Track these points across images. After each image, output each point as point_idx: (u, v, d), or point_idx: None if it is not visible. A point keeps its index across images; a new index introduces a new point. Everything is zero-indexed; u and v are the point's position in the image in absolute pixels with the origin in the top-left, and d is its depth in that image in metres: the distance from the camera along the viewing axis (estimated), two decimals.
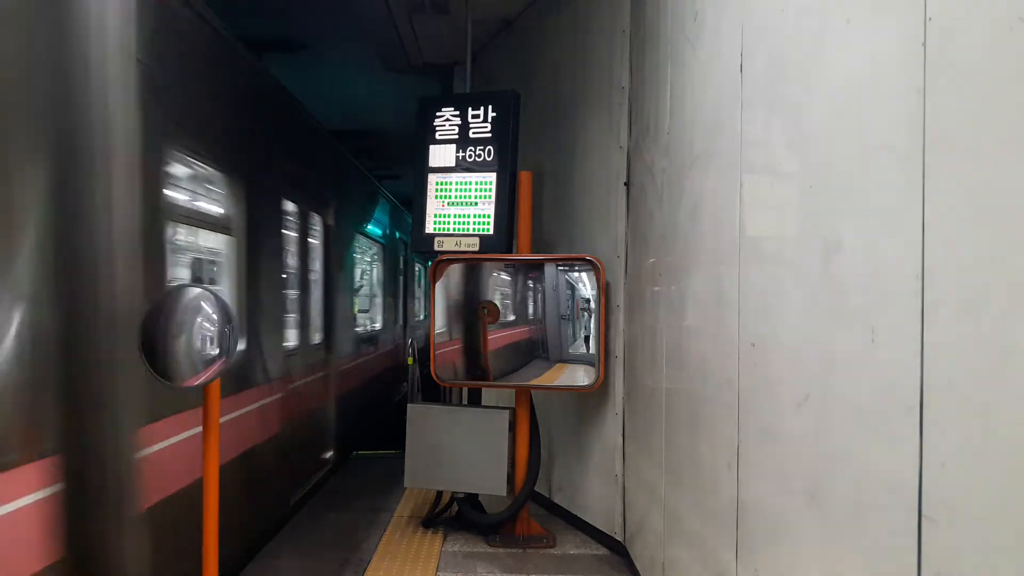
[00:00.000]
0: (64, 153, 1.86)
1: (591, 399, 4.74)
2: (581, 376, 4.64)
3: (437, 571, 4.18)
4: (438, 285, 4.75)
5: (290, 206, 5.57)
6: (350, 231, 7.85)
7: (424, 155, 4.90)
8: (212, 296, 2.87)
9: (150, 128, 3.10)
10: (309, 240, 6.09)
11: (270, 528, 4.98)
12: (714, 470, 2.62)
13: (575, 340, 4.77)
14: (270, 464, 5.00)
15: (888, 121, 1.59)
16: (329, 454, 6.70)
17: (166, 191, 3.50)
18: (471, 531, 4.80)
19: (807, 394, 1.91)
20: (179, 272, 3.89)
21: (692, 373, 2.98)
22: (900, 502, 1.48)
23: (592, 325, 4.55)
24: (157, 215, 3.36)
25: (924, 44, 1.44)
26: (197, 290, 2.89)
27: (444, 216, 4.85)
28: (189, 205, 3.94)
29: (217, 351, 2.88)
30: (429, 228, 4.88)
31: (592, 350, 4.54)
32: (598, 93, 4.71)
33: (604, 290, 4.42)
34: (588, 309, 4.62)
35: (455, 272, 4.91)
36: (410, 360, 8.17)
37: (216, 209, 4.24)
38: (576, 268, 4.70)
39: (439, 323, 4.81)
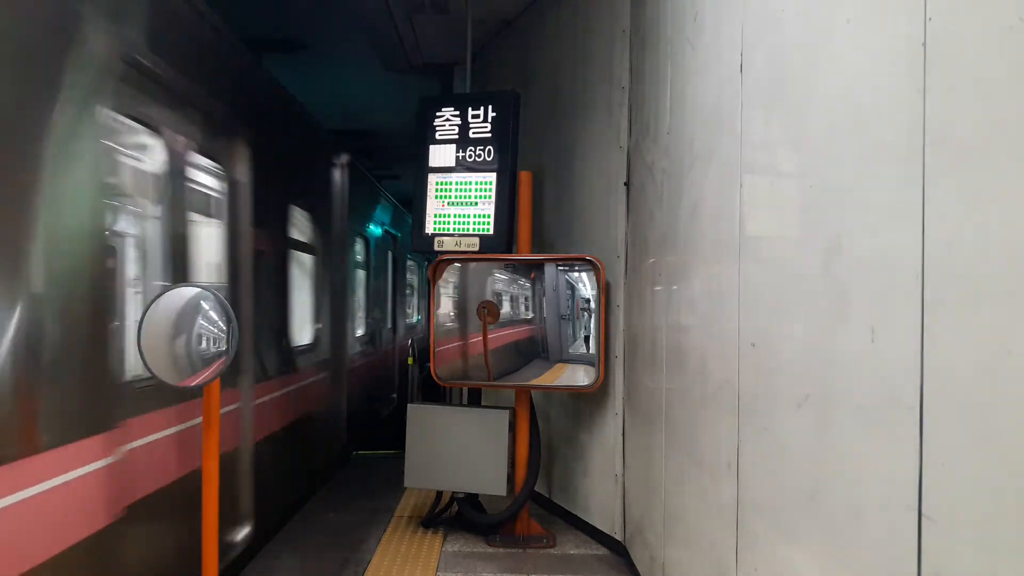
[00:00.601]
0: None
1: (591, 399, 4.74)
2: (581, 376, 4.64)
3: (437, 571, 4.18)
4: (438, 285, 4.75)
5: (380, 249, 9.64)
6: (404, 255, 11.93)
7: (424, 155, 4.90)
8: (212, 296, 2.86)
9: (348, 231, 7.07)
10: (389, 266, 10.39)
11: (379, 423, 9.41)
12: (714, 470, 2.62)
13: (575, 340, 4.77)
14: (375, 390, 9.26)
15: (888, 121, 1.59)
16: (394, 395, 10.62)
17: (354, 254, 7.74)
18: (471, 531, 4.80)
19: (807, 394, 1.91)
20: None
21: (692, 373, 2.98)
22: (900, 502, 1.48)
23: (592, 325, 4.55)
24: (353, 265, 7.60)
25: (924, 44, 1.44)
26: (196, 290, 2.88)
27: (444, 216, 4.84)
28: (358, 258, 8.07)
29: (217, 351, 2.88)
30: (429, 228, 4.88)
31: (592, 350, 4.54)
32: (598, 93, 4.71)
33: (604, 290, 4.41)
34: (588, 309, 4.61)
35: (455, 272, 4.91)
36: (410, 360, 8.26)
37: (361, 259, 8.29)
38: (576, 268, 4.70)
39: (439, 323, 4.81)
